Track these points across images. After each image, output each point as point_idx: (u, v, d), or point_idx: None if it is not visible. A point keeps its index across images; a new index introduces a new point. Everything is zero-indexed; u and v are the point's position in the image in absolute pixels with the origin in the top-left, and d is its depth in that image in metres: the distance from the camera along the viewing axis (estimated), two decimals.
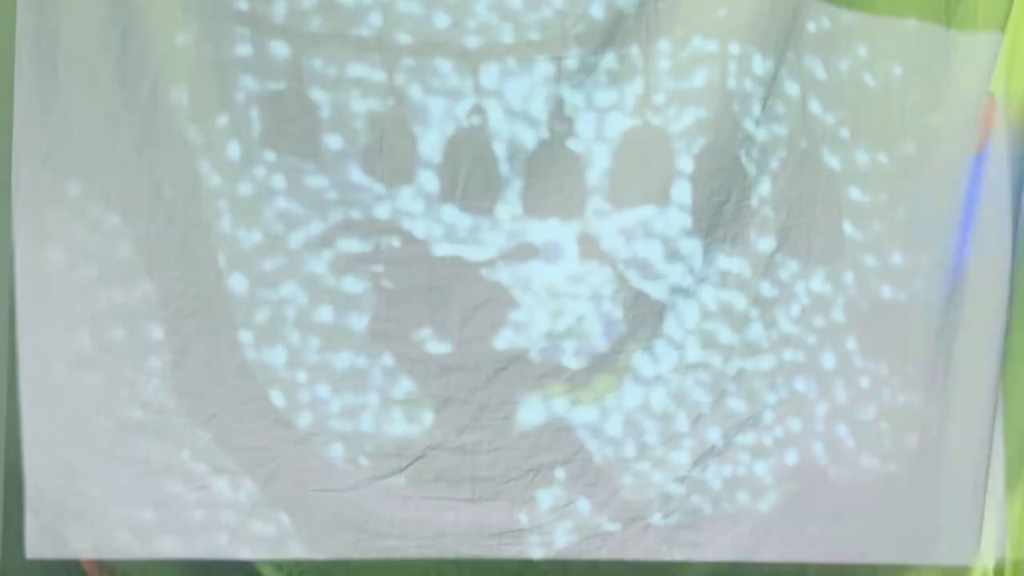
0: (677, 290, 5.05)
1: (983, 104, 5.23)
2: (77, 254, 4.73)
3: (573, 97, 5.04)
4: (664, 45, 5.09)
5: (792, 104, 5.16)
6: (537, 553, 4.96)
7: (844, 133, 5.20)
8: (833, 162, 5.19)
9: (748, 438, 5.08)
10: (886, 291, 5.19)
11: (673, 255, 5.04)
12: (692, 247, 5.06)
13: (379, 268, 4.92)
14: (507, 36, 5.01)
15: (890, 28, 5.24)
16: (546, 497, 4.98)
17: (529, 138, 5.01)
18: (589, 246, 5.02)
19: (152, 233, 4.79)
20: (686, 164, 5.06)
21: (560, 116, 5.03)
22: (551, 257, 5.01)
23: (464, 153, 4.97)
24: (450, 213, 4.97)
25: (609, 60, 5.06)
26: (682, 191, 5.06)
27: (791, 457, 5.10)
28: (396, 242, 4.94)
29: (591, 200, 5.03)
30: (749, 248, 5.11)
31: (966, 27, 5.26)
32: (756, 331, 5.11)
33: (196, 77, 4.83)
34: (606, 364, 5.01)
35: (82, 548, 4.70)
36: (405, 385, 4.91)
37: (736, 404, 5.08)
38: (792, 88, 5.16)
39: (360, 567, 4.91)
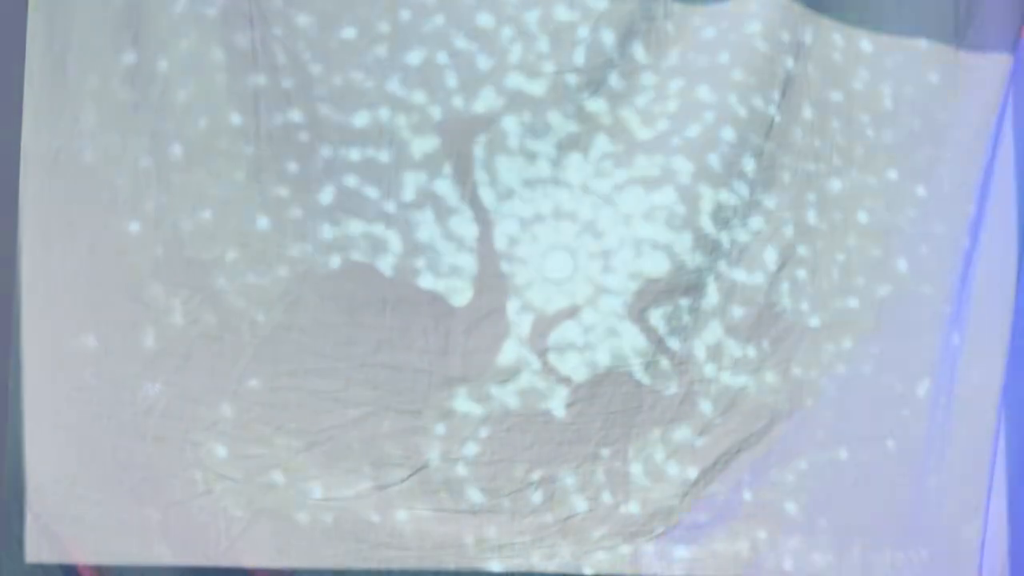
0: (683, 304, 5.05)
1: (992, 124, 5.23)
2: (83, 257, 4.73)
3: (581, 111, 5.04)
4: (672, 61, 5.10)
5: (800, 122, 5.16)
6: (537, 567, 4.95)
7: (853, 151, 5.20)
8: (841, 181, 5.19)
9: (752, 453, 5.07)
10: (892, 308, 5.19)
11: (680, 269, 5.04)
12: (699, 261, 5.06)
13: (385, 277, 4.92)
14: (515, 49, 5.01)
15: (900, 48, 5.24)
16: (546, 510, 4.97)
17: (537, 149, 5.01)
18: (595, 258, 5.01)
19: (159, 238, 4.78)
20: (694, 178, 5.06)
21: (568, 128, 5.03)
22: (558, 268, 5.00)
23: (472, 161, 4.97)
24: (460, 221, 4.96)
25: (616, 75, 5.07)
26: (688, 206, 5.05)
27: (793, 474, 5.09)
28: (402, 251, 4.93)
29: (598, 212, 5.03)
30: (756, 264, 5.11)
31: (976, 49, 5.26)
32: (762, 346, 5.10)
33: (205, 82, 4.83)
34: (610, 376, 5.01)
35: (82, 553, 4.69)
36: (409, 395, 4.91)
37: (741, 419, 5.08)
38: (801, 105, 5.16)
39: None
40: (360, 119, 4.92)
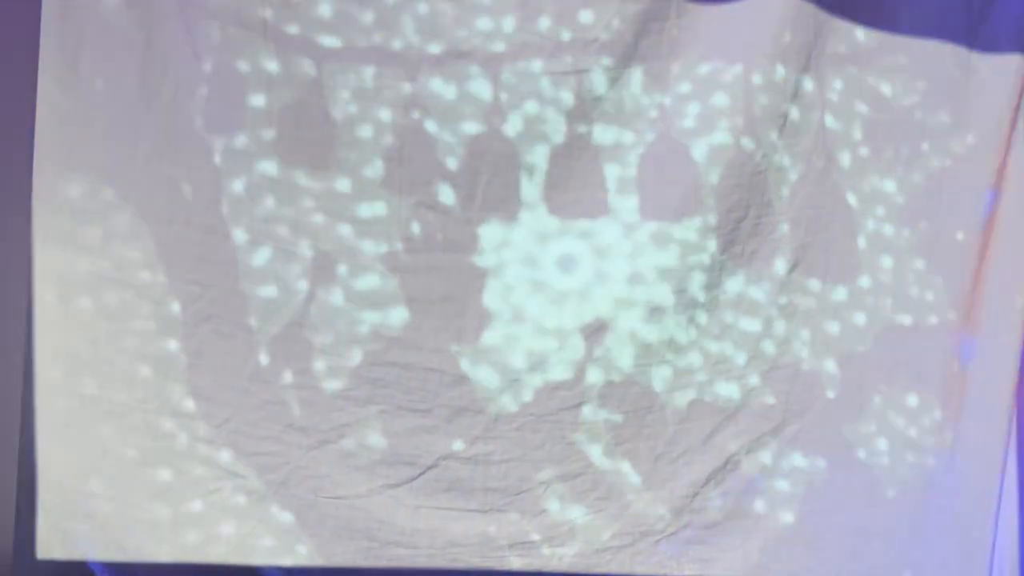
0: (694, 305, 5.05)
1: (1005, 126, 5.21)
2: (95, 256, 4.74)
3: (593, 109, 5.04)
4: (685, 61, 5.09)
5: (811, 122, 5.15)
6: (547, 566, 4.95)
7: (863, 152, 5.19)
8: (850, 181, 5.18)
9: (760, 455, 5.07)
10: (901, 311, 5.18)
11: (691, 270, 5.04)
12: (709, 263, 5.05)
13: (396, 277, 4.92)
14: (528, 47, 5.02)
15: (912, 48, 5.23)
16: (556, 510, 4.98)
17: (549, 146, 5.01)
18: (608, 255, 5.01)
19: (170, 236, 4.80)
20: (704, 179, 5.06)
21: (580, 126, 5.03)
22: (571, 267, 5.01)
23: (484, 160, 4.97)
24: (468, 221, 4.97)
25: (630, 74, 5.06)
26: (700, 206, 5.05)
27: (804, 475, 5.09)
28: (413, 251, 4.94)
29: (610, 211, 5.04)
30: (766, 265, 5.11)
31: (989, 49, 5.25)
32: (771, 348, 5.10)
33: (217, 83, 4.83)
34: (622, 377, 5.01)
35: (92, 550, 4.70)
36: (419, 394, 4.91)
37: (750, 421, 5.07)
38: (812, 106, 5.16)
39: None
40: (383, 116, 4.94)
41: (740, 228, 5.09)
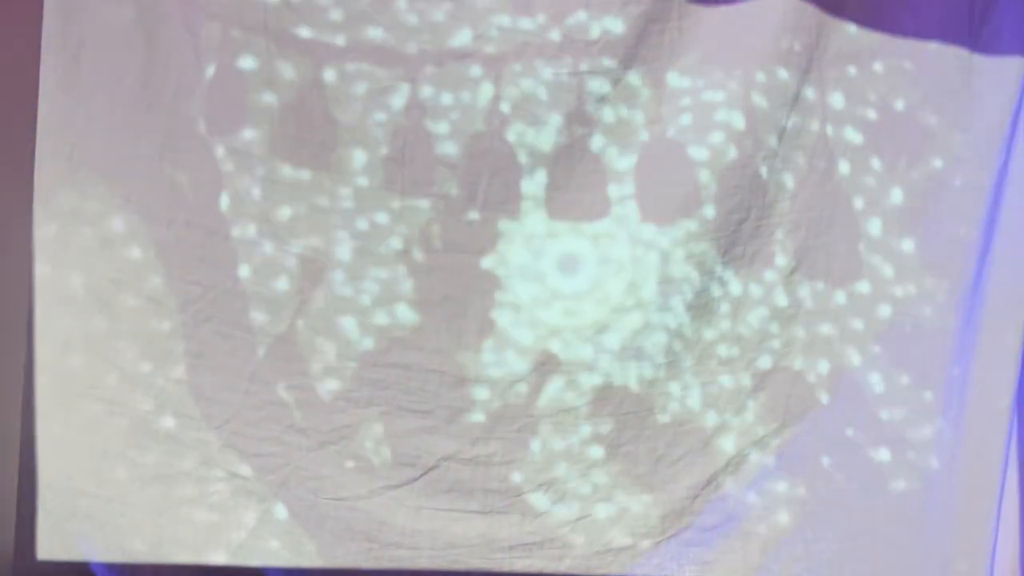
0: (695, 307, 5.05)
1: (1005, 127, 5.22)
2: (96, 255, 4.74)
3: (594, 111, 5.04)
4: (686, 63, 5.09)
5: (812, 124, 5.15)
6: (547, 567, 4.96)
7: (864, 155, 5.19)
8: (852, 183, 5.18)
9: (760, 457, 5.07)
10: (903, 313, 5.18)
11: (691, 271, 5.04)
12: (710, 264, 5.05)
13: (397, 278, 4.92)
14: (529, 48, 5.01)
15: (913, 50, 5.23)
16: (557, 511, 4.97)
17: (549, 147, 5.01)
18: (609, 256, 5.01)
19: (171, 236, 4.80)
20: (705, 181, 5.06)
21: (581, 128, 5.03)
22: (572, 268, 5.01)
23: (485, 161, 4.97)
24: (469, 222, 4.97)
25: (631, 75, 5.06)
26: (701, 208, 5.05)
27: (804, 476, 5.09)
28: (414, 252, 4.94)
29: (610, 213, 5.03)
30: (767, 268, 5.11)
31: (991, 51, 5.25)
32: (772, 350, 5.10)
33: (219, 84, 4.83)
34: (622, 378, 5.01)
35: (93, 551, 4.69)
36: (420, 395, 4.91)
37: (751, 422, 5.07)
38: (813, 109, 5.16)
39: None
40: (384, 117, 4.94)
41: (741, 230, 5.09)
